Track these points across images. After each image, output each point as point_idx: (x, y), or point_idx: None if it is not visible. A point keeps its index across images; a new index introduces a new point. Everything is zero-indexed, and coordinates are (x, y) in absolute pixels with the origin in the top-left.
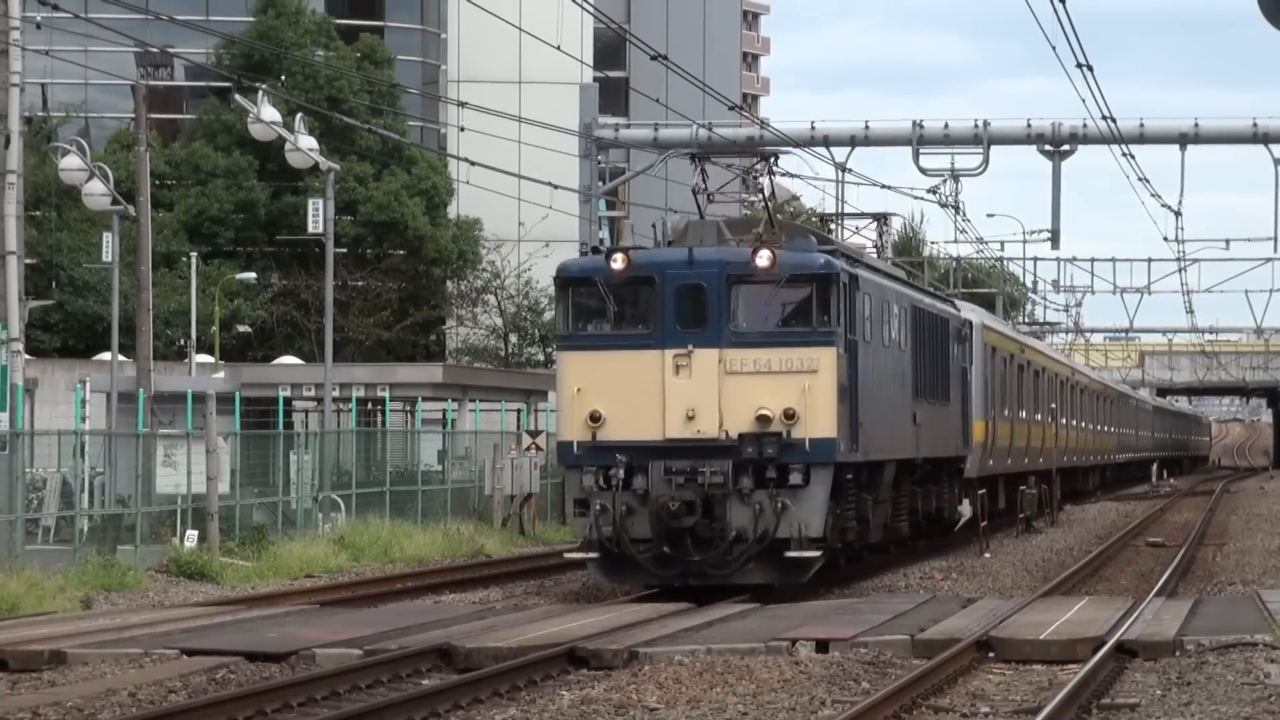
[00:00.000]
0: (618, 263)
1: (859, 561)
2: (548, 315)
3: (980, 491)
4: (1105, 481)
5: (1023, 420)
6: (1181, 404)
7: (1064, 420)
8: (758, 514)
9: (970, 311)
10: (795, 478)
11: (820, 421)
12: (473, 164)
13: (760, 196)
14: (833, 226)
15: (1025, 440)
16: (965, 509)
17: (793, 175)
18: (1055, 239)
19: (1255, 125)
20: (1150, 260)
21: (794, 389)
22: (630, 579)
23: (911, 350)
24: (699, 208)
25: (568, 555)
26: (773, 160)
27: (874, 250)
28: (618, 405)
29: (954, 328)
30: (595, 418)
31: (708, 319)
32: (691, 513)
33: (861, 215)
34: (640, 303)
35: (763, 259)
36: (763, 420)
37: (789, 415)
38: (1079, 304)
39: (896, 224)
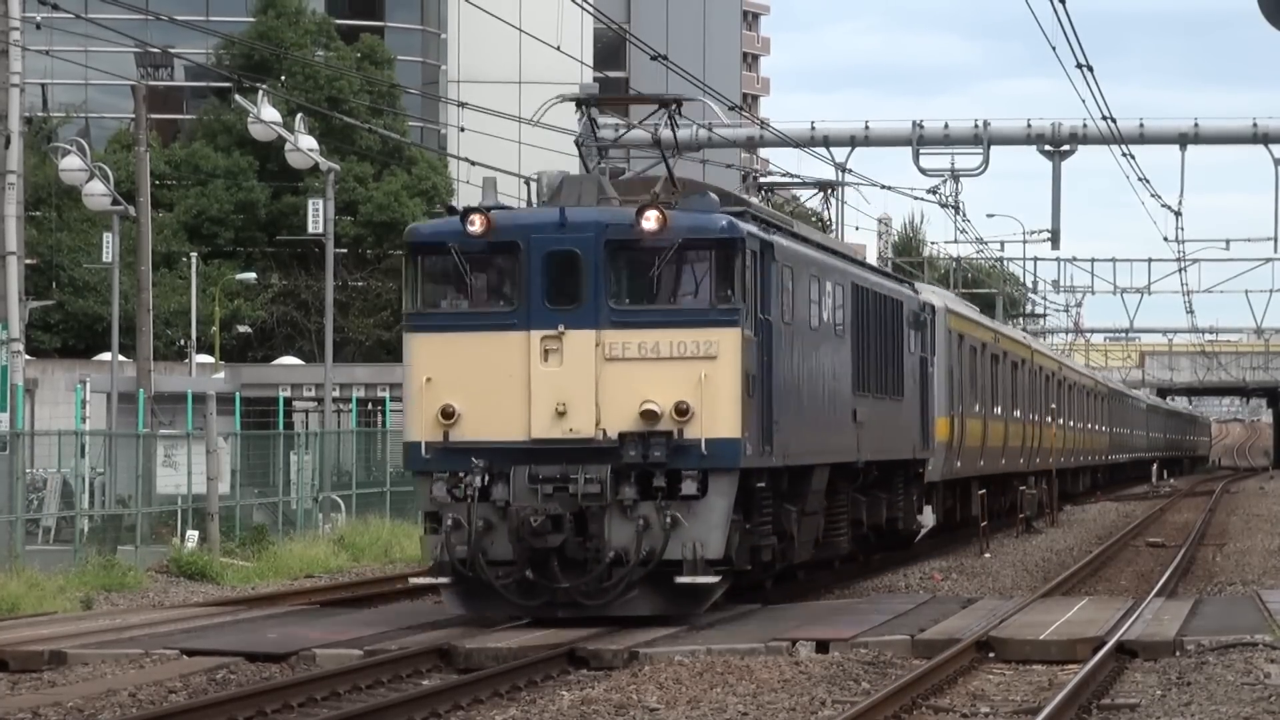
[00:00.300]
0: (475, 225)
1: (792, 581)
2: None
3: (981, 492)
4: (1098, 484)
5: (999, 417)
6: (1181, 403)
7: (1050, 418)
8: (642, 531)
9: (932, 294)
10: (689, 487)
11: (720, 419)
12: (473, 164)
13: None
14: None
15: (1003, 440)
16: (927, 517)
17: (792, 175)
18: (1055, 239)
19: (1255, 125)
20: (1150, 260)
21: (688, 379)
22: (491, 608)
23: (852, 336)
24: (582, 161)
25: (413, 581)
26: (674, 107)
27: (825, 228)
28: (474, 399)
29: (910, 312)
30: (448, 414)
31: (583, 294)
32: (559, 529)
33: (805, 184)
34: (502, 274)
35: (650, 220)
36: (649, 417)
37: (681, 411)
38: (1079, 304)
39: (896, 224)
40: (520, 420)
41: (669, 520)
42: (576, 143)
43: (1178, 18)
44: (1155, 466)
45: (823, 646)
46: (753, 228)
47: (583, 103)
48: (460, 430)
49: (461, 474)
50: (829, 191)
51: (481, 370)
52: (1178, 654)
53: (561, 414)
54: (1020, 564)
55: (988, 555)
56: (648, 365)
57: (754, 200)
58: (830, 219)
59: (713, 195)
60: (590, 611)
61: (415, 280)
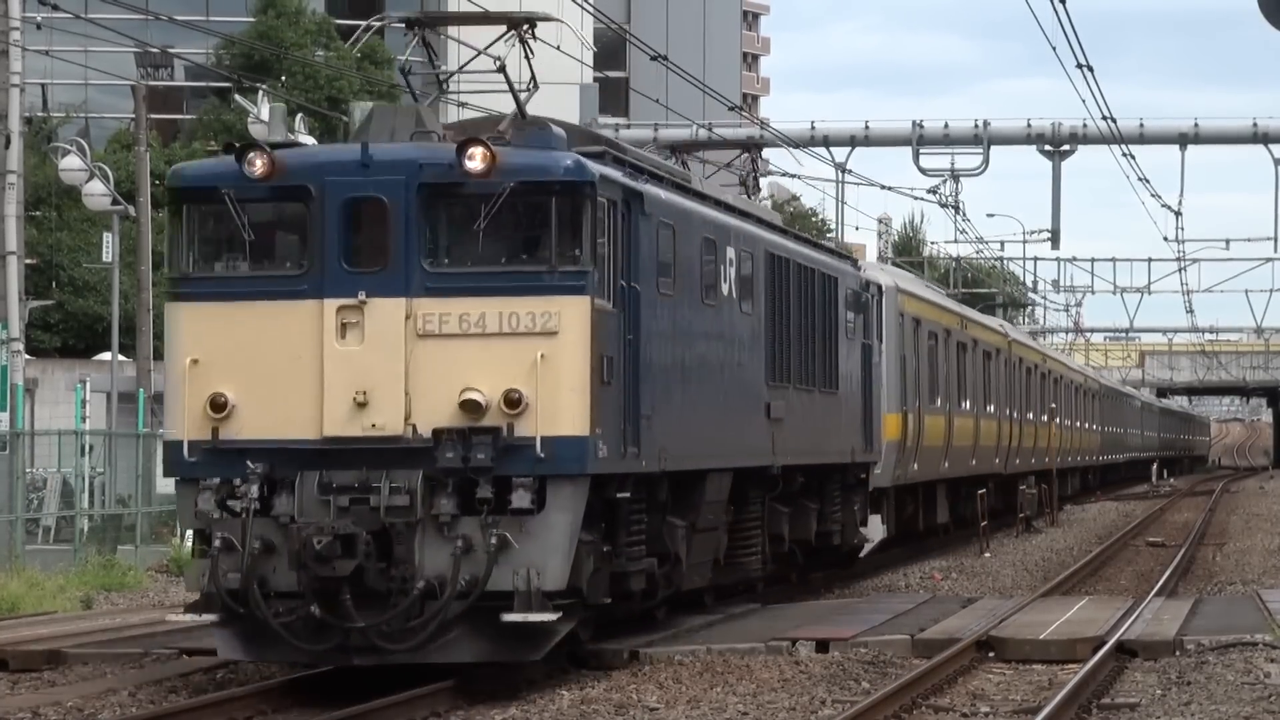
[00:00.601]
0: (256, 166)
1: (693, 609)
2: None
3: (980, 491)
4: (1088, 486)
5: (967, 414)
6: (1181, 403)
7: (1032, 415)
8: (460, 554)
9: (880, 271)
10: (521, 498)
11: (563, 412)
12: None
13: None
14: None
15: (972, 439)
16: (875, 529)
17: (791, 175)
18: (1055, 239)
19: (1255, 125)
20: (1150, 260)
21: (521, 361)
22: (276, 653)
23: (767, 315)
24: (410, 90)
25: (170, 618)
26: (525, 29)
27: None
28: (252, 386)
29: (849, 290)
30: (218, 406)
31: (390, 252)
32: (351, 553)
33: (726, 144)
34: (289, 227)
35: (475, 159)
36: (472, 409)
37: (512, 402)
38: (1079, 304)
39: (896, 224)
40: (309, 414)
41: (495, 541)
42: (402, 71)
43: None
44: (1155, 466)
45: (823, 646)
46: (613, 172)
47: (414, 24)
48: (234, 426)
49: (235, 482)
50: (751, 151)
51: (261, 350)
52: (1178, 653)
53: (362, 406)
54: (1020, 563)
55: (988, 555)
56: (472, 343)
57: (641, 152)
58: (751, 185)
59: (559, 130)
60: (396, 658)
61: (180, 236)
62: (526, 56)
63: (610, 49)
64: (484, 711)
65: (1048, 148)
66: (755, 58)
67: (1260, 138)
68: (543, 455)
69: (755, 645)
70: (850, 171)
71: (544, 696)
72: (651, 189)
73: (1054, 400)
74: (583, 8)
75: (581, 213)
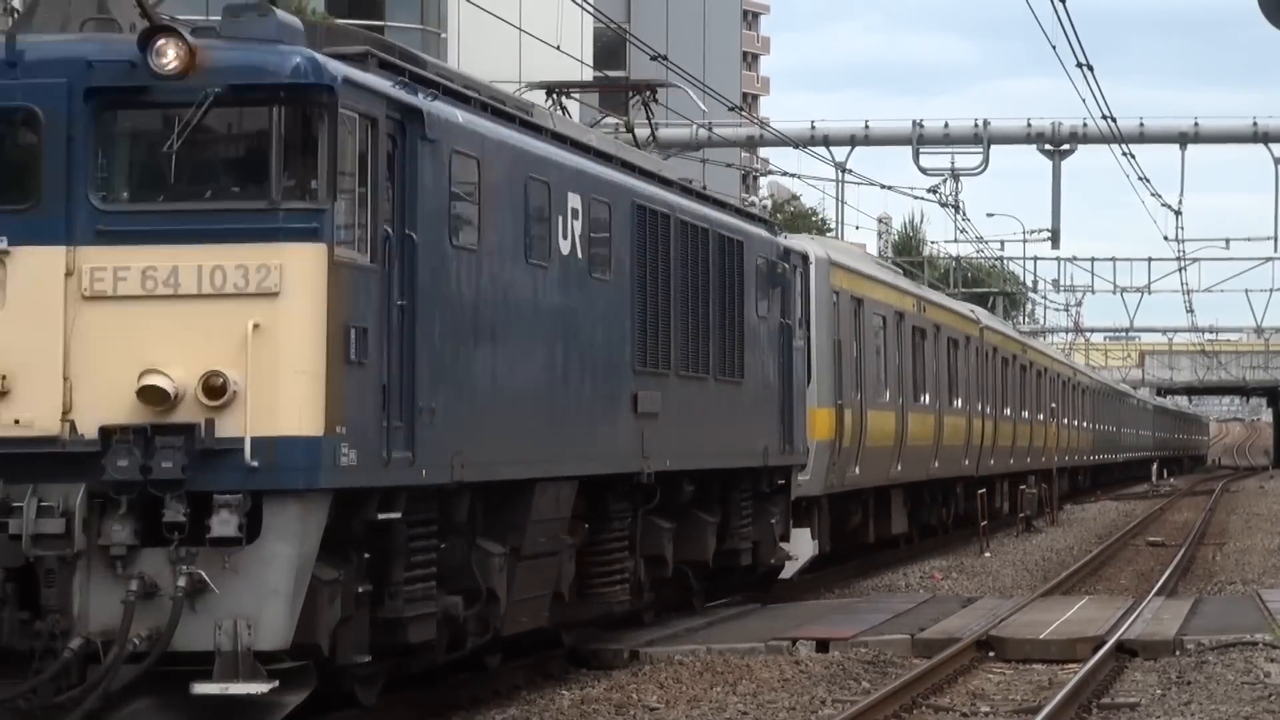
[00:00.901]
0: None
1: (522, 657)
2: None
3: (980, 491)
4: (1078, 487)
5: (925, 410)
6: (1180, 403)
7: (1010, 411)
8: (136, 601)
9: (809, 242)
10: (225, 523)
11: (287, 402)
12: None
13: None
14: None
15: (933, 438)
16: (801, 544)
17: (791, 175)
18: (1055, 239)
19: (1255, 125)
20: (1150, 260)
21: (227, 333)
22: None
23: (635, 284)
24: None
25: None
26: (647, 94)
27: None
28: None
29: (761, 261)
30: None
31: (43, 184)
32: None
33: (621, 85)
34: None
35: (166, 55)
36: (156, 399)
37: (214, 390)
38: (1079, 304)
39: (896, 224)
40: None
41: (186, 582)
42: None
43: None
44: (1155, 466)
45: (823, 646)
46: (375, 79)
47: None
48: None
49: None
50: (644, 93)
51: None
52: (1178, 653)
53: (2, 395)
54: (1020, 563)
55: (988, 554)
56: (158, 309)
57: (433, 60)
58: (630, 125)
59: (290, 19)
60: None
61: None
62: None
63: (610, 49)
64: (484, 711)
65: (1048, 147)
66: (755, 57)
67: (1260, 137)
68: (256, 463)
69: (755, 645)
70: (850, 171)
71: (544, 696)
72: (441, 108)
73: (1039, 396)
74: (583, 8)
75: (316, 129)
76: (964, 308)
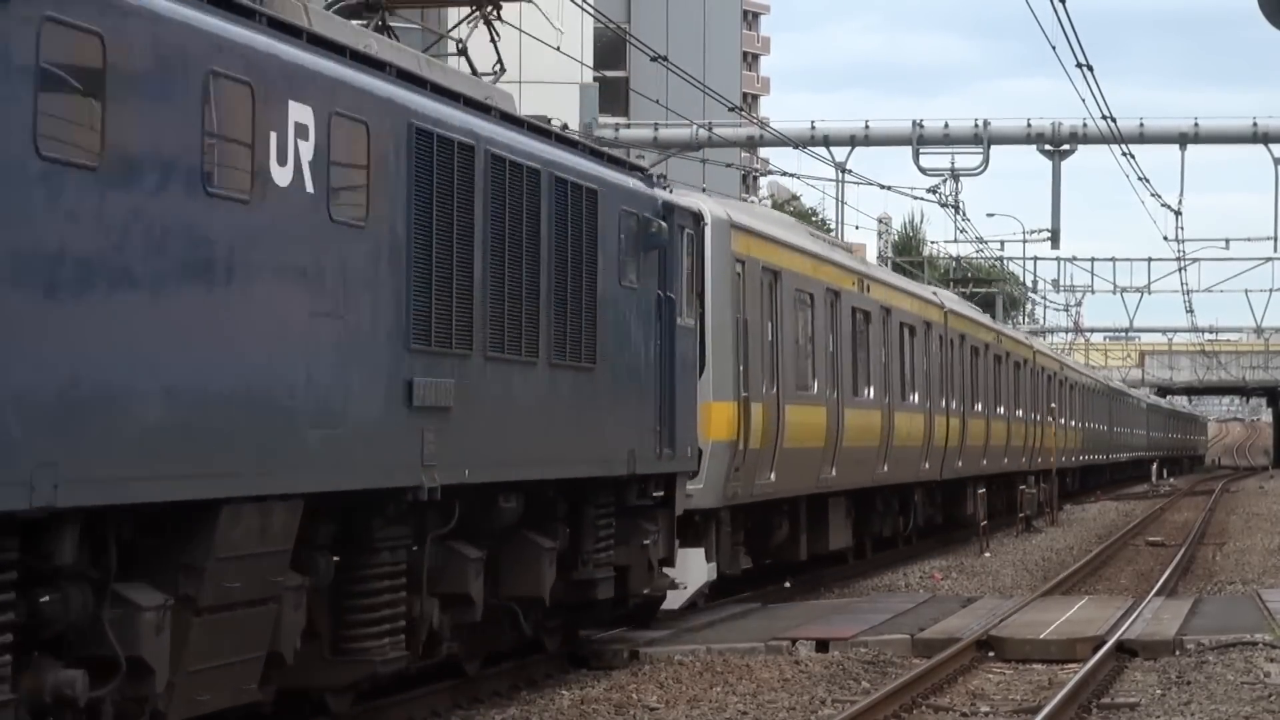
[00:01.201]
0: None
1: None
2: None
3: (980, 491)
4: (1067, 490)
5: (869, 404)
6: (1181, 402)
7: (980, 407)
8: None
9: (704, 199)
10: None
11: None
12: None
13: None
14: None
15: (881, 438)
16: (692, 569)
17: (791, 175)
18: (1055, 239)
19: (1255, 125)
20: (1150, 260)
21: None
22: None
23: (411, 235)
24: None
25: None
26: (490, 10)
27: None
28: None
29: (627, 216)
30: None
31: None
32: None
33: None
34: None
35: None
36: None
37: None
38: (1079, 304)
39: (896, 224)
40: None
41: None
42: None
43: (1178, 18)
44: (1155, 466)
45: (823, 645)
46: None
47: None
48: None
49: None
50: (488, 11)
51: None
52: (1177, 653)
53: None
54: (1020, 563)
55: (987, 554)
56: None
57: None
58: (462, 44)
59: None
60: None
61: None
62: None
63: (610, 48)
64: (484, 711)
65: (1048, 147)
66: (755, 57)
67: (1260, 137)
68: None
69: (755, 645)
70: (850, 171)
71: (544, 696)
72: None
73: (1018, 392)
74: (582, 8)
75: None
76: (925, 290)
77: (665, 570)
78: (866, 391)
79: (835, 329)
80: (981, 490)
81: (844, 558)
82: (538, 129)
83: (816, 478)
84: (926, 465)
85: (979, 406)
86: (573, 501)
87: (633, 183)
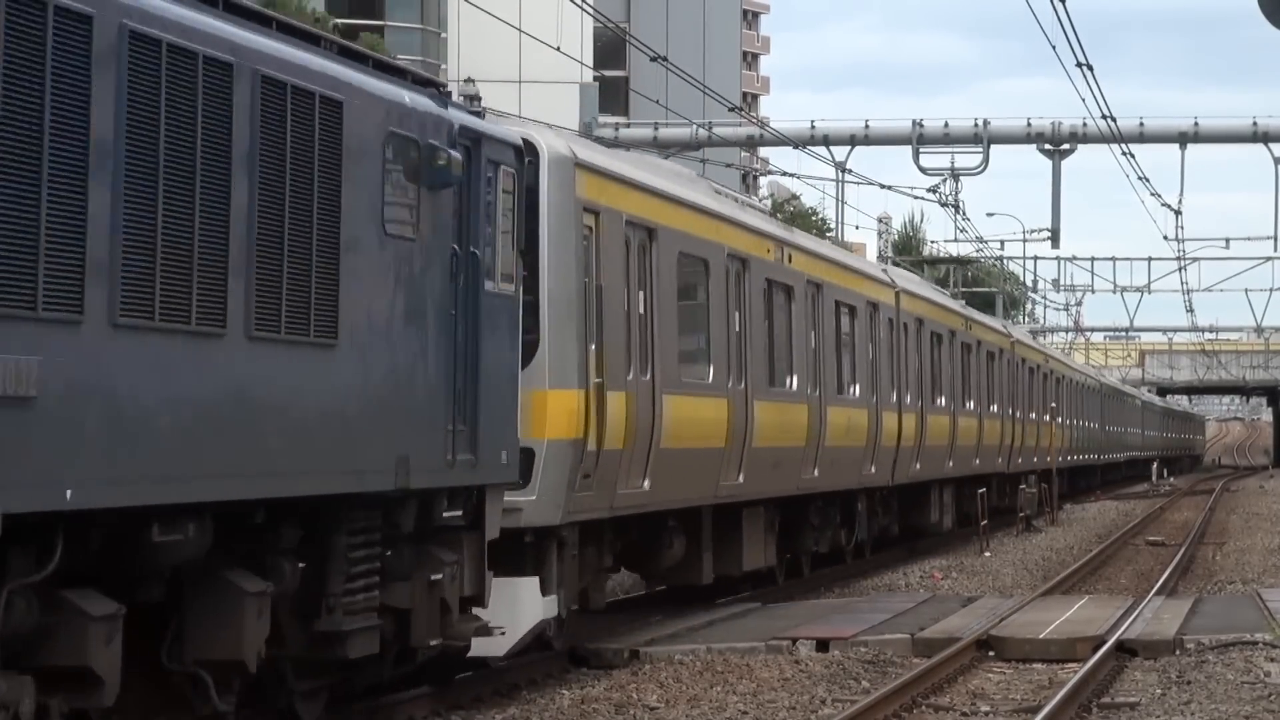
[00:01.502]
0: None
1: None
2: None
3: (980, 491)
4: (1047, 496)
5: (789, 396)
6: (1181, 402)
7: (943, 402)
8: None
9: (538, 130)
10: None
11: None
12: None
13: None
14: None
15: (809, 437)
16: (524, 605)
17: (791, 175)
18: (1055, 238)
19: (1255, 125)
20: (1150, 259)
21: None
22: None
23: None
24: None
25: None
26: None
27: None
28: None
29: (397, 141)
30: None
31: None
32: None
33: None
34: None
35: None
36: None
37: None
38: (1079, 303)
39: (896, 223)
40: None
41: None
42: None
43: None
44: (1155, 465)
45: (823, 645)
46: None
47: None
48: None
49: None
50: None
51: None
52: (1178, 653)
53: None
54: (1020, 563)
55: (988, 554)
56: None
57: None
58: None
59: None
60: None
61: None
62: None
63: (610, 48)
64: (484, 711)
65: (1048, 147)
66: (755, 57)
67: (1260, 137)
68: None
69: (755, 644)
70: (850, 171)
71: (544, 696)
72: None
73: (990, 384)
74: (582, 8)
75: None
76: (871, 266)
77: (474, 611)
78: (789, 381)
79: (742, 305)
80: (982, 490)
81: (769, 578)
82: (238, 8)
83: (716, 485)
84: (873, 469)
85: (941, 401)
86: (311, 528)
87: (410, 97)
